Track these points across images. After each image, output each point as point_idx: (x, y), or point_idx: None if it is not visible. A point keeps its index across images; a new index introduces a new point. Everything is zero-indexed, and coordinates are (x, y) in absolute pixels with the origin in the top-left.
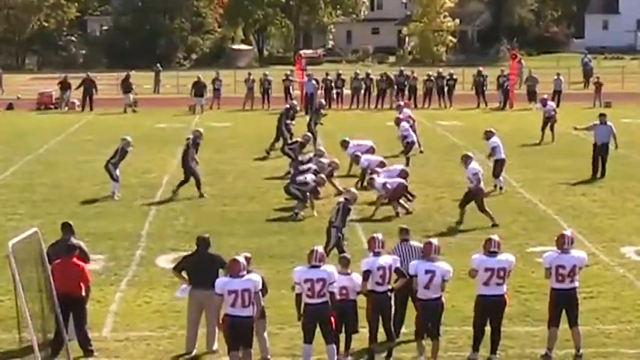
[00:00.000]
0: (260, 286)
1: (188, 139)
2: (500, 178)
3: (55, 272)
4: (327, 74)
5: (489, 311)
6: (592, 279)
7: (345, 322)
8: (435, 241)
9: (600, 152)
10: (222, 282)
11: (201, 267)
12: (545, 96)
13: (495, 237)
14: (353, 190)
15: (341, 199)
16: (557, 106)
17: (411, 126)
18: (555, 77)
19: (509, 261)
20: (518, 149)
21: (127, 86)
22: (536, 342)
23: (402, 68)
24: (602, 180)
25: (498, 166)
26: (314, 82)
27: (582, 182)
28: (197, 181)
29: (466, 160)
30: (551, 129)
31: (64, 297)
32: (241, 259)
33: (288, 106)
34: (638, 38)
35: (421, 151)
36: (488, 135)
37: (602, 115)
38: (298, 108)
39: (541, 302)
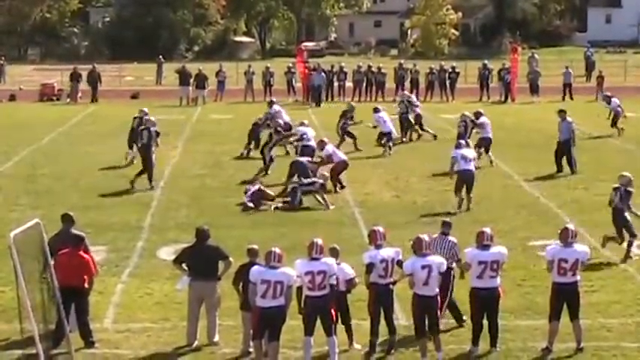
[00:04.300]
0: (292, 282)
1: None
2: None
3: (60, 263)
4: (332, 67)
5: (484, 304)
6: (593, 273)
7: (339, 313)
8: (424, 236)
9: (562, 149)
10: (258, 271)
11: (200, 258)
12: (609, 93)
13: (488, 230)
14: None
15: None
16: (571, 98)
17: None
18: (564, 70)
19: (502, 253)
20: (519, 143)
21: (200, 82)
22: (538, 335)
23: (402, 61)
24: (605, 174)
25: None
26: (322, 74)
27: (585, 176)
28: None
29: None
30: (614, 124)
31: (66, 288)
32: (277, 250)
33: (345, 108)
34: None
35: (402, 141)
36: (477, 115)
37: (561, 112)
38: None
39: (542, 296)
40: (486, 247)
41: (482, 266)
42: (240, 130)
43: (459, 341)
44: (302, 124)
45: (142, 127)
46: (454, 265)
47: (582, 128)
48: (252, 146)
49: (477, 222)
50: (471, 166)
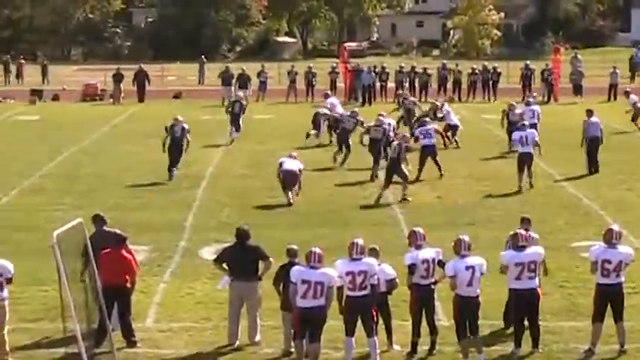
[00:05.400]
0: (333, 282)
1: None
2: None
3: (103, 262)
4: (374, 67)
5: (524, 305)
6: (637, 274)
7: (379, 314)
8: (465, 237)
9: (589, 148)
10: (298, 271)
11: (240, 258)
12: (629, 88)
13: (522, 231)
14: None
15: None
16: (615, 99)
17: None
18: (611, 70)
19: (539, 253)
20: (562, 143)
21: (243, 82)
22: (580, 337)
23: (445, 62)
24: None
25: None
26: (372, 74)
27: (627, 176)
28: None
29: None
30: (634, 119)
31: (109, 287)
32: (318, 250)
33: (429, 106)
34: None
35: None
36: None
37: (588, 111)
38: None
39: (585, 297)
40: (522, 248)
41: (519, 268)
42: (282, 130)
43: (502, 342)
44: (380, 115)
45: (172, 123)
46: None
47: (624, 129)
48: (313, 133)
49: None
50: (530, 149)
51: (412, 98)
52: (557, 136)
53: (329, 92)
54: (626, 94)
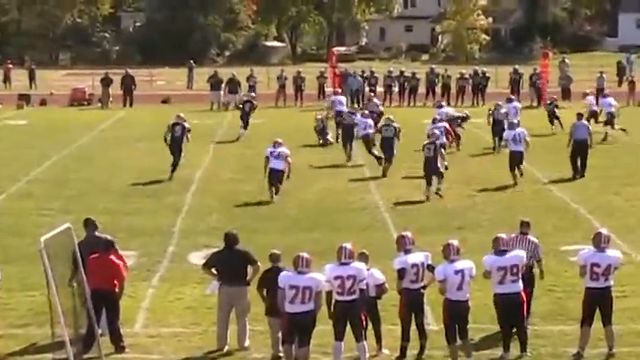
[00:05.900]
0: (321, 287)
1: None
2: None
3: (91, 268)
4: (363, 72)
5: (509, 310)
6: (625, 278)
7: (368, 318)
8: (454, 241)
9: (577, 150)
10: (286, 277)
11: (230, 263)
12: (588, 91)
13: (503, 235)
14: None
15: None
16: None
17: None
18: (598, 75)
19: (520, 256)
20: (550, 148)
21: (233, 87)
22: (569, 341)
23: (433, 66)
24: (633, 177)
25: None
26: (359, 78)
27: (613, 180)
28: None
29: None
30: (606, 124)
31: (97, 292)
32: (305, 255)
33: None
34: None
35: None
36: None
37: (578, 114)
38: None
39: (574, 301)
40: (503, 253)
41: (502, 272)
42: (271, 134)
43: (494, 346)
44: (364, 115)
45: (174, 121)
46: (535, 265)
47: (611, 133)
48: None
49: (509, 226)
50: (521, 147)
51: (376, 101)
52: (546, 141)
53: (338, 90)
54: (584, 95)
